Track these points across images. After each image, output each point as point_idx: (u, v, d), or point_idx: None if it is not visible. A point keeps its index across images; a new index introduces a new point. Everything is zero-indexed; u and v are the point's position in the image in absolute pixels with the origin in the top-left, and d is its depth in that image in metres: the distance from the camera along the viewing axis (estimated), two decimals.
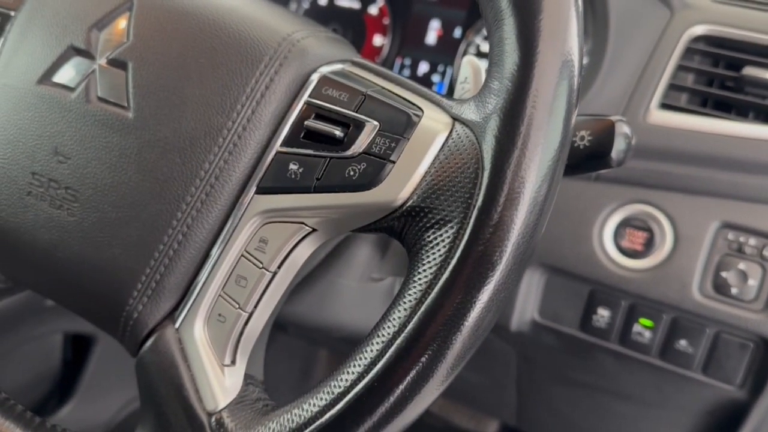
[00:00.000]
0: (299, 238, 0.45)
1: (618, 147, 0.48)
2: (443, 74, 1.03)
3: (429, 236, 0.41)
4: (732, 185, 0.75)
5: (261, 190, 0.46)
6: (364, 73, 0.47)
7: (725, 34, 0.78)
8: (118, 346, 0.50)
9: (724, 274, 0.75)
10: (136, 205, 0.47)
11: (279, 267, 0.46)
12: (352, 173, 0.43)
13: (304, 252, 0.46)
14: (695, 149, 0.76)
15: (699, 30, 0.78)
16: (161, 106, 0.47)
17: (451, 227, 0.40)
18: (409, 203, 0.42)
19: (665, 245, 0.77)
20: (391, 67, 1.06)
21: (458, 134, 0.42)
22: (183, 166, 0.46)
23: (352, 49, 0.54)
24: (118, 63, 0.49)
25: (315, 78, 0.47)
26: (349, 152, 0.44)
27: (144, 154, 0.47)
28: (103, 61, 0.50)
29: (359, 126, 0.44)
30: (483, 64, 0.52)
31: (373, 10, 1.08)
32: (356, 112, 0.44)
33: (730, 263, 0.75)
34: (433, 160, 0.42)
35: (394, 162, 0.43)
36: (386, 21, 1.07)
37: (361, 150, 0.43)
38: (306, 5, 1.12)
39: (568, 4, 0.41)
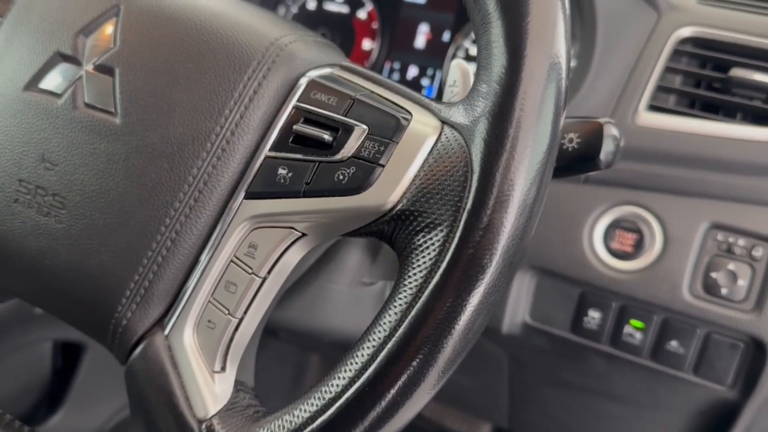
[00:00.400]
0: (289, 243, 0.45)
1: (607, 149, 0.48)
2: (432, 78, 1.03)
3: (419, 240, 0.41)
4: (721, 186, 0.75)
5: (250, 195, 0.45)
6: (352, 77, 0.47)
7: (712, 36, 0.78)
8: (108, 353, 0.50)
9: (713, 274, 0.75)
10: (124, 212, 0.47)
11: (269, 272, 0.45)
12: (341, 177, 0.43)
13: (293, 257, 0.46)
14: (684, 150, 0.76)
15: (686, 32, 0.79)
16: (149, 111, 0.47)
17: (441, 230, 0.40)
18: (399, 207, 0.42)
19: (655, 246, 0.77)
20: (380, 72, 1.06)
21: (447, 137, 0.42)
22: (171, 171, 0.46)
23: (341, 53, 0.54)
24: (105, 69, 0.49)
25: (303, 82, 0.47)
26: (338, 156, 0.43)
27: (132, 160, 0.47)
28: (90, 67, 0.50)
29: (348, 130, 0.44)
30: (471, 68, 0.52)
31: (361, 14, 1.08)
32: (345, 116, 0.44)
33: (719, 264, 0.75)
34: (423, 164, 0.42)
35: (383, 166, 0.43)
36: (375, 25, 1.07)
37: (350, 154, 0.43)
38: (294, 10, 1.12)
39: (555, 7, 0.41)
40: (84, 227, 0.48)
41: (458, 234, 0.39)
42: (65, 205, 0.48)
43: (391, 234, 0.43)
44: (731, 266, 0.75)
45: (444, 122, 0.43)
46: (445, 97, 0.53)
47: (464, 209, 0.39)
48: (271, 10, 1.11)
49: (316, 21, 1.10)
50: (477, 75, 0.42)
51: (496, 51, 0.40)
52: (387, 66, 1.06)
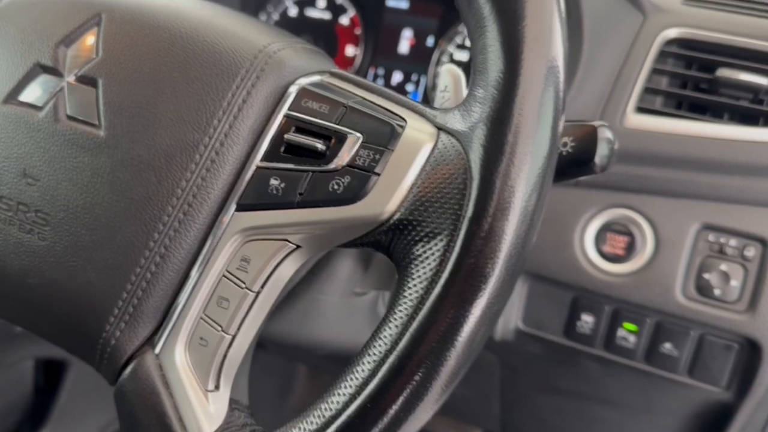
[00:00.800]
0: (283, 255, 0.44)
1: (601, 152, 0.48)
2: (417, 83, 1.02)
3: (418, 250, 0.40)
4: (711, 187, 0.75)
5: (241, 207, 0.44)
6: (343, 84, 0.46)
7: (698, 37, 0.78)
8: (91, 370, 0.48)
9: (706, 275, 0.75)
10: (111, 227, 0.45)
11: (262, 286, 0.44)
12: (336, 187, 0.42)
13: (287, 270, 0.44)
14: (673, 152, 0.76)
15: (672, 33, 0.78)
16: (134, 123, 0.46)
17: (441, 240, 0.39)
18: (396, 216, 0.41)
19: (646, 249, 0.77)
20: (364, 77, 1.05)
21: (444, 144, 0.41)
22: (159, 185, 0.45)
23: (330, 60, 0.53)
24: (87, 80, 0.48)
25: (293, 90, 0.45)
26: (332, 165, 0.42)
27: (117, 173, 0.45)
28: (71, 78, 0.48)
29: (341, 138, 0.43)
30: (462, 73, 0.51)
31: (344, 20, 1.07)
32: (338, 124, 0.43)
33: (712, 265, 0.75)
34: (420, 172, 0.41)
35: (378, 174, 0.41)
36: (358, 31, 1.06)
37: (344, 163, 0.42)
38: (276, 17, 1.11)
39: (551, 9, 0.40)
40: (68, 244, 0.46)
41: (459, 243, 0.38)
42: (48, 222, 0.47)
43: (388, 244, 0.42)
44: (723, 267, 0.74)
45: (440, 128, 0.42)
46: (437, 103, 0.52)
47: (464, 217, 0.38)
48: (252, 17, 1.10)
49: (298, 28, 1.09)
50: (472, 80, 0.42)
51: (492, 55, 0.40)
52: (371, 72, 1.05)
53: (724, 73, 0.76)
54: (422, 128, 0.42)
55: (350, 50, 1.06)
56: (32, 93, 0.49)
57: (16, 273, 0.47)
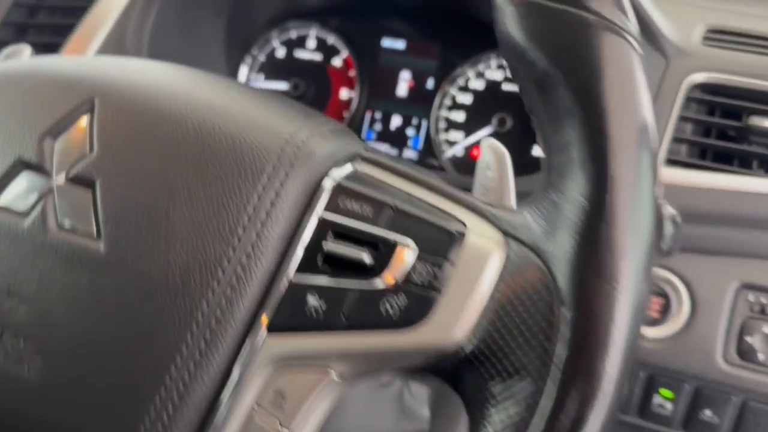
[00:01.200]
0: (324, 388, 0.37)
1: (667, 233, 0.43)
2: (418, 128, 0.96)
3: (496, 388, 0.33)
4: (748, 243, 0.70)
5: (274, 330, 0.37)
6: (381, 174, 0.40)
7: (725, 82, 0.74)
8: None
9: (748, 338, 0.70)
10: (117, 361, 0.38)
11: (300, 425, 0.37)
12: (389, 308, 0.35)
13: (330, 404, 0.38)
14: (707, 207, 0.71)
15: (698, 78, 0.74)
16: (141, 234, 0.38)
17: (526, 378, 0.33)
18: (467, 346, 0.34)
19: (683, 311, 0.72)
20: (361, 121, 0.99)
21: (517, 256, 0.35)
22: (174, 309, 0.37)
23: (356, 138, 0.46)
24: (81, 180, 0.40)
25: (327, 185, 0.39)
26: (382, 281, 0.36)
27: (123, 296, 0.38)
28: (61, 179, 0.41)
29: (390, 248, 0.36)
30: (506, 150, 0.45)
31: (336, 62, 1.00)
32: (385, 228, 0.37)
33: (753, 327, 0.70)
34: (492, 292, 0.35)
35: (440, 292, 0.35)
36: (352, 73, 0.99)
37: (396, 279, 0.36)
38: (262, 58, 1.04)
39: (639, 96, 0.35)
40: (66, 380, 0.38)
41: (552, 385, 0.32)
42: (41, 351, 0.39)
43: (455, 375, 0.36)
44: (766, 329, 0.69)
45: (508, 235, 0.36)
46: (478, 182, 0.46)
47: (556, 354, 0.32)
48: (237, 60, 1.03)
49: (286, 70, 1.02)
50: (548, 180, 0.36)
51: (576, 156, 0.34)
52: (368, 116, 0.99)
53: (755, 121, 0.71)
54: (486, 233, 0.36)
55: (345, 93, 1.00)
56: (14, 195, 0.41)
57: (5, 411, 0.40)
